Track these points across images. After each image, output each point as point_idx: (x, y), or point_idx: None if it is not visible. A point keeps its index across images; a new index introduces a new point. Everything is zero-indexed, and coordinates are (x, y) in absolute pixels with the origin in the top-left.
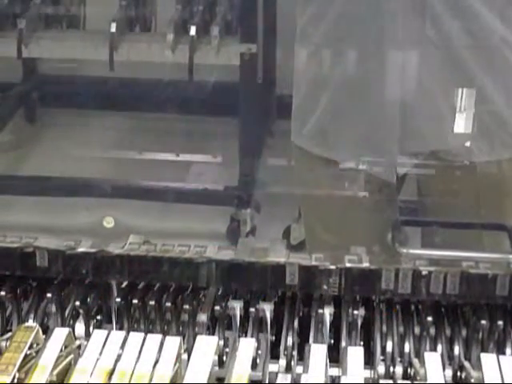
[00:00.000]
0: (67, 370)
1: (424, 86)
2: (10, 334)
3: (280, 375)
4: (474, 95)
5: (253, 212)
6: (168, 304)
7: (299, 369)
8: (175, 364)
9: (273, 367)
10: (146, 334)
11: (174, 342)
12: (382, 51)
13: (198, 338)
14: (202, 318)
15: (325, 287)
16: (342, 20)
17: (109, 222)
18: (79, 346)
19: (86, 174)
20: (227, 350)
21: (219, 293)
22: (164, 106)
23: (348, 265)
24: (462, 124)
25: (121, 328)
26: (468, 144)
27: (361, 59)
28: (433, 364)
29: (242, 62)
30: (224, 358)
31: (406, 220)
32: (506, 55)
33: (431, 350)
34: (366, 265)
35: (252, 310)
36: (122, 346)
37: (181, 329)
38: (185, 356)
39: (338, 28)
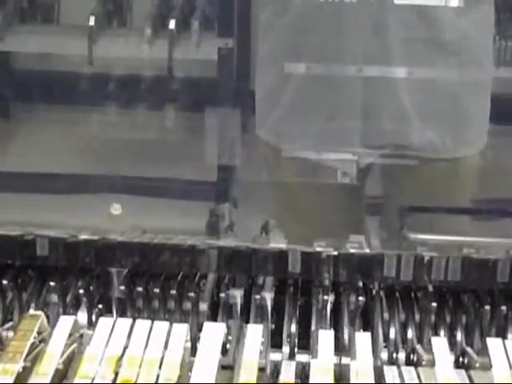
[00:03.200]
0: (71, 359)
1: (386, 78)
2: (11, 323)
3: (284, 362)
4: (439, 91)
5: (231, 207)
6: (173, 292)
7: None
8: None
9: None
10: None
11: (181, 329)
12: (344, 45)
13: (206, 324)
14: (203, 306)
15: (326, 274)
16: (303, 13)
17: (116, 209)
18: (81, 335)
19: (62, 170)
20: (230, 337)
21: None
22: (142, 101)
23: (352, 251)
24: (426, 120)
25: (121, 316)
26: (432, 140)
27: (323, 52)
28: (439, 349)
29: (219, 57)
30: (227, 345)
31: (413, 206)
32: (469, 50)
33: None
34: (367, 251)
35: (254, 297)
36: (129, 334)
37: (183, 317)
38: (187, 344)
39: (299, 21)
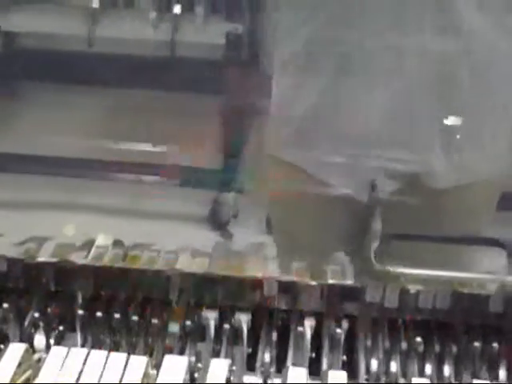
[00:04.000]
0: None
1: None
2: None
3: None
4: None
5: (236, 195)
6: (134, 318)
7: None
8: None
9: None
10: (109, 351)
11: (139, 362)
12: (363, 62)
13: (167, 357)
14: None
15: (305, 303)
16: (321, 29)
17: (68, 230)
18: (39, 359)
19: (66, 153)
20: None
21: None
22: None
23: (331, 281)
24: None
25: (84, 341)
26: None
27: (342, 70)
28: None
29: (228, 42)
30: (196, 374)
31: (392, 234)
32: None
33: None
34: (349, 282)
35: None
36: (84, 364)
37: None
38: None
39: (317, 36)
